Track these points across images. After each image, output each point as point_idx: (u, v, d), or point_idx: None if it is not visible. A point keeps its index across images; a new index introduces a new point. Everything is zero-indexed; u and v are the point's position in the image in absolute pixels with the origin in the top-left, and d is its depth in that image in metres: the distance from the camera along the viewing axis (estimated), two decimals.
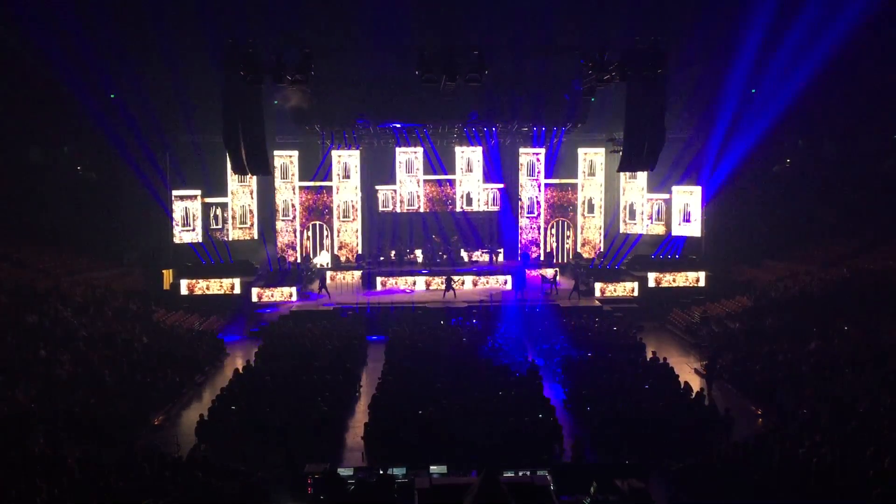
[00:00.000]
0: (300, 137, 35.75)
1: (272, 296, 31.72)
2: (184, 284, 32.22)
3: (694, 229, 35.67)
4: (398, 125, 33.87)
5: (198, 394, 22.04)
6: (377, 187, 37.20)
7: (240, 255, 35.42)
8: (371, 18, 25.46)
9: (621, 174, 36.10)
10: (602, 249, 37.49)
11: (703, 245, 35.55)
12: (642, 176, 36.41)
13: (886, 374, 18.36)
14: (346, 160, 36.73)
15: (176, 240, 34.55)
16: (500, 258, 36.72)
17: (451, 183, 37.35)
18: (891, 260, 28.66)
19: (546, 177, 37.54)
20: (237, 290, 32.32)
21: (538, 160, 37.37)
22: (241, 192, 36.25)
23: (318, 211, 37.27)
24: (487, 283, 33.45)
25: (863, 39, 28.96)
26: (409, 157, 36.86)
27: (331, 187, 36.91)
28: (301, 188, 37.00)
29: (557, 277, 32.84)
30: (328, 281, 32.78)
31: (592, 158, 37.70)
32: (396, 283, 33.27)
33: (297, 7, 25.08)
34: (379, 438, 16.61)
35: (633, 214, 37.44)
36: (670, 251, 35.63)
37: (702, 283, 33.08)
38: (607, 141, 34.53)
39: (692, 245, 35.59)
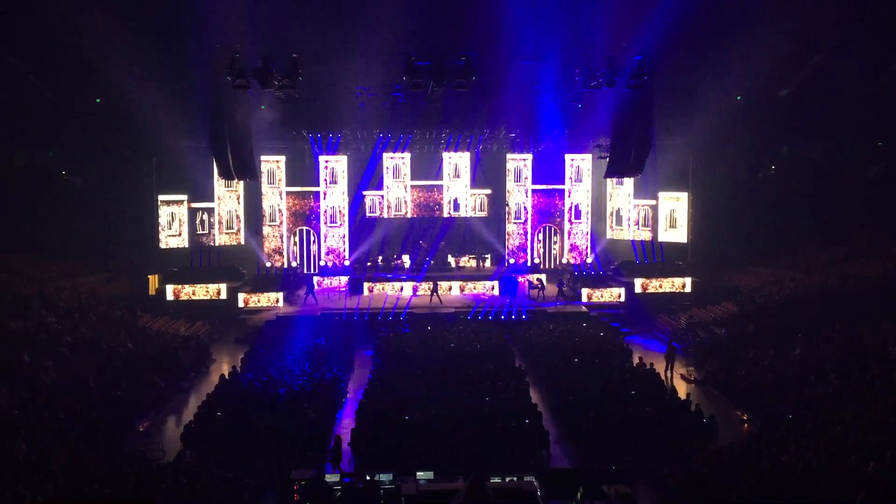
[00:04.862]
0: (287, 142, 35.68)
1: (258, 301, 31.61)
2: (169, 290, 32.05)
3: (680, 235, 35.89)
4: (385, 131, 33.92)
5: (184, 400, 21.91)
6: (364, 192, 37.21)
7: (226, 260, 35.29)
8: (359, 24, 25.43)
9: (608, 180, 36.24)
10: (588, 255, 37.61)
11: (689, 251, 35.75)
12: (629, 182, 36.55)
13: (871, 379, 18.47)
14: (332, 165, 36.69)
15: (162, 245, 34.36)
16: (488, 263, 36.77)
17: (439, 188, 37.39)
18: (876, 266, 28.87)
19: (533, 182, 37.70)
20: (223, 296, 32.19)
21: (525, 166, 37.50)
22: (227, 197, 36.14)
23: (304, 216, 37.21)
24: (475, 288, 33.48)
25: (848, 46, 29.27)
26: (396, 163, 36.88)
27: (318, 192, 36.86)
28: (288, 193, 36.94)
29: (544, 283, 32.97)
30: (315, 287, 32.73)
31: (579, 164, 37.83)
32: (384, 289, 33.23)
33: (285, 12, 25.00)
34: (366, 444, 16.57)
35: (619, 220, 37.59)
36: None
37: (688, 289, 33.25)
38: (594, 147, 34.67)
39: (678, 251, 35.83)
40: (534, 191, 37.89)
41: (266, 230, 36.92)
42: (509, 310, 29.48)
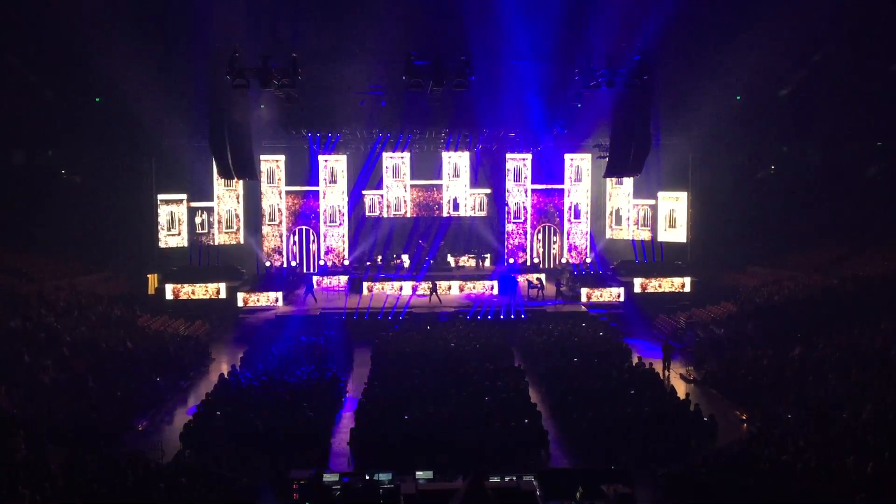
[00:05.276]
0: (287, 142, 35.67)
1: (258, 301, 31.59)
2: (169, 289, 32.03)
3: (679, 235, 35.89)
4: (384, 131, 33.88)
5: (182, 399, 21.90)
6: (364, 192, 37.21)
7: (226, 259, 35.29)
8: (359, 24, 25.43)
9: (607, 180, 36.25)
10: (588, 255, 37.61)
11: (688, 251, 35.75)
12: (628, 181, 36.56)
13: (870, 379, 18.48)
14: (332, 165, 36.72)
15: (161, 244, 34.35)
16: (487, 263, 36.76)
17: (439, 188, 37.40)
18: (876, 266, 28.88)
19: (533, 182, 37.72)
20: (223, 295, 32.17)
21: (525, 165, 37.51)
22: (227, 197, 36.14)
23: (304, 215, 37.20)
24: (474, 288, 33.46)
25: (847, 47, 29.27)
26: (395, 162, 36.90)
27: (317, 192, 36.86)
28: (287, 192, 36.93)
29: (543, 282, 32.98)
30: (315, 286, 32.73)
31: (579, 164, 37.84)
32: (383, 289, 33.22)
33: (285, 12, 25.01)
34: (365, 444, 16.57)
35: (619, 220, 37.61)
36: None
37: (687, 289, 33.23)
38: (594, 147, 34.67)
39: (677, 250, 35.84)
40: (533, 190, 37.90)
41: (265, 229, 36.93)
42: (508, 309, 29.45)
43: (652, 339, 28.71)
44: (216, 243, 35.84)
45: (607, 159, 28.95)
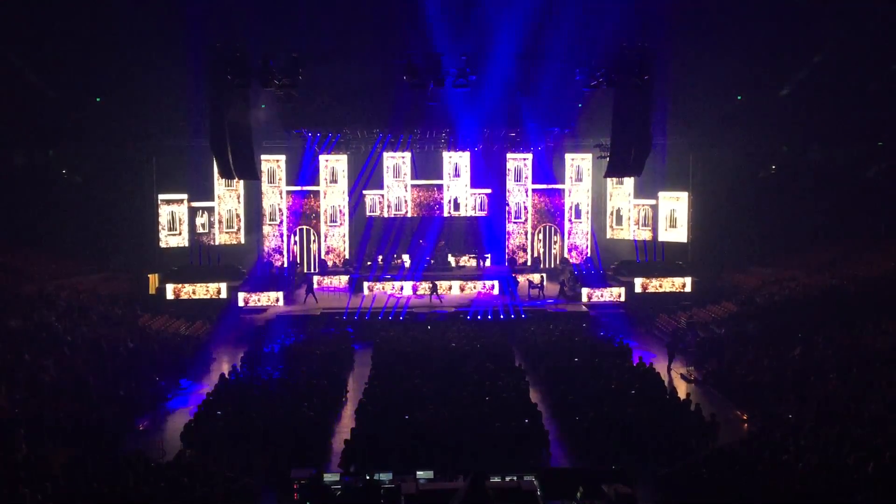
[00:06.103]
0: (287, 141, 35.70)
1: (258, 300, 31.59)
2: (169, 289, 32.03)
3: (680, 235, 35.90)
4: (385, 131, 33.90)
5: (183, 399, 21.90)
6: (364, 192, 37.21)
7: (226, 259, 35.31)
8: (359, 24, 25.46)
9: (608, 180, 36.25)
10: (589, 254, 37.62)
11: (689, 251, 35.75)
12: (629, 181, 36.56)
13: (870, 379, 18.48)
14: (333, 164, 36.72)
15: (162, 244, 34.37)
16: (488, 263, 36.75)
17: (439, 188, 37.40)
18: (876, 266, 28.87)
19: (534, 182, 37.73)
20: (223, 295, 32.18)
21: (525, 165, 37.50)
22: (228, 197, 36.15)
23: (305, 215, 37.20)
24: (475, 288, 33.45)
25: (848, 46, 29.29)
26: (396, 162, 36.90)
27: (318, 192, 36.88)
28: (288, 192, 36.94)
29: (544, 282, 32.97)
30: (315, 286, 32.73)
31: (579, 164, 37.84)
32: (383, 288, 33.22)
33: (285, 12, 25.04)
34: (365, 444, 16.56)
35: (619, 220, 37.62)
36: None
37: (688, 289, 33.22)
38: (594, 146, 34.68)
39: (678, 250, 35.85)
40: (534, 190, 37.90)
41: (266, 229, 36.93)
42: (507, 308, 29.42)
43: (652, 339, 28.73)
44: (217, 243, 35.85)
45: (608, 159, 28.97)
